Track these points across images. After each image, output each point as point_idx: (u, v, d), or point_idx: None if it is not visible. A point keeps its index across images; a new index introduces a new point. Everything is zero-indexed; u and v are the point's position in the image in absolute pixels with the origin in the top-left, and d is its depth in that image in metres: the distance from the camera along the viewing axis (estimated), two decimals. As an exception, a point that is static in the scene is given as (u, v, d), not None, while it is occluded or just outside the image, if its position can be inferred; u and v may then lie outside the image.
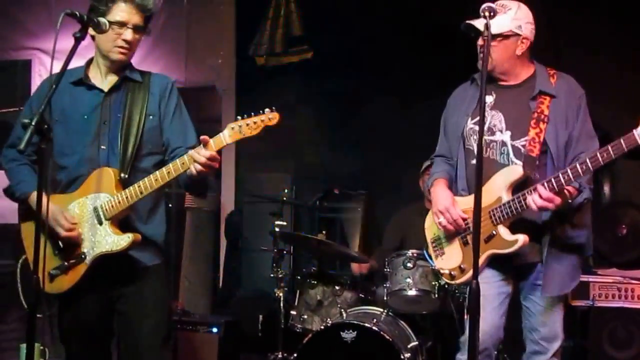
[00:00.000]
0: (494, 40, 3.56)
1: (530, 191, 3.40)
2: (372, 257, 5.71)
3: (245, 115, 3.17)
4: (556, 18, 5.88)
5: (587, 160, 3.23)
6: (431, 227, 3.91)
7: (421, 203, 5.45)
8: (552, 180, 3.30)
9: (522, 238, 3.48)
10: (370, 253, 5.85)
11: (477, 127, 3.70)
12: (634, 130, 3.15)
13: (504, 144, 3.64)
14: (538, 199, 3.32)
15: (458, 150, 3.82)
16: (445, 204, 3.69)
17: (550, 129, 3.56)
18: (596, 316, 5.12)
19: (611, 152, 3.19)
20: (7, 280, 5.58)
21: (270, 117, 3.15)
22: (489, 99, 3.71)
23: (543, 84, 3.64)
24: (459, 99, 3.94)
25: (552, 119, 3.56)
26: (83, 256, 3.33)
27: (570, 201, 3.45)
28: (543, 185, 3.32)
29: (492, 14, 2.98)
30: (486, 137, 3.65)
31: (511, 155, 3.62)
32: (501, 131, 3.65)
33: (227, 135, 3.16)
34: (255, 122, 3.14)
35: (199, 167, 3.15)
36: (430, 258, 3.92)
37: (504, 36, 3.58)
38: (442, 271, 3.81)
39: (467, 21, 3.60)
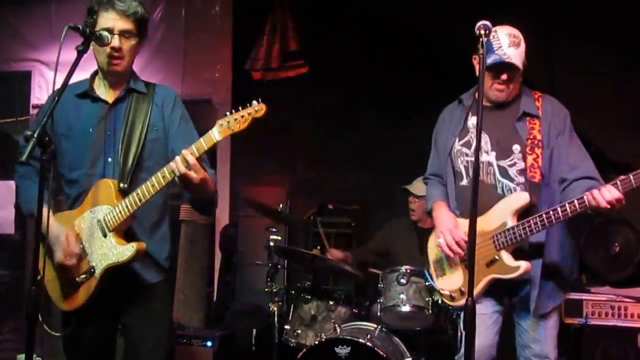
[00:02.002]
0: (513, 77, 3.60)
1: (536, 218, 3.41)
2: (351, 251, 5.76)
3: (233, 111, 3.13)
4: (550, 38, 5.94)
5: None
6: (434, 248, 3.91)
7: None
8: (619, 182, 3.28)
9: (524, 265, 3.50)
10: (365, 269, 5.86)
11: (464, 149, 3.77)
12: None
13: (490, 164, 3.67)
14: (601, 198, 3.27)
15: (448, 170, 3.85)
16: (449, 226, 3.71)
17: (546, 154, 3.59)
18: (589, 334, 5.11)
19: None
20: (2, 290, 5.58)
21: (257, 108, 3.10)
22: (475, 120, 3.73)
23: (527, 106, 3.67)
24: (446, 120, 3.96)
25: (545, 144, 3.59)
26: (92, 270, 3.29)
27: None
28: (615, 184, 3.27)
29: (487, 31, 3.01)
30: (472, 159, 3.68)
31: (497, 175, 3.65)
32: (487, 152, 3.68)
33: (217, 132, 3.11)
34: (242, 116, 3.10)
35: (178, 173, 3.10)
36: (431, 277, 3.92)
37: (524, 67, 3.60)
38: (442, 292, 3.81)
39: (503, 59, 3.50)
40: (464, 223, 3.67)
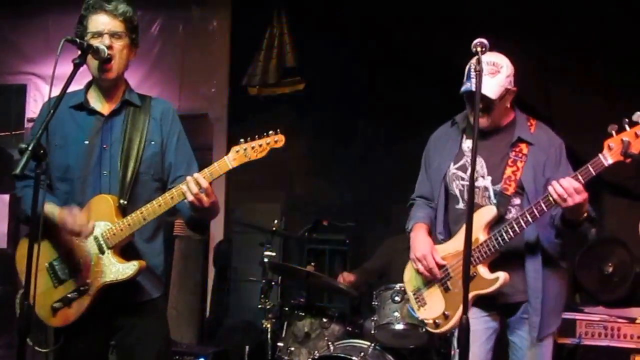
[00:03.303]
0: (490, 105, 3.59)
1: (505, 226, 3.44)
2: (354, 273, 5.75)
3: (249, 138, 3.12)
4: (546, 59, 5.97)
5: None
6: (410, 280, 3.91)
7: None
8: (579, 173, 3.28)
9: (502, 276, 3.49)
10: (357, 285, 5.85)
11: (460, 173, 3.77)
12: (600, 154, 3.22)
13: (486, 189, 3.67)
14: (559, 187, 3.27)
15: (440, 193, 3.84)
16: (424, 252, 3.71)
17: (527, 170, 3.59)
18: (583, 354, 5.08)
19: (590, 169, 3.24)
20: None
21: (276, 139, 3.12)
22: (470, 144, 3.73)
23: (522, 132, 3.67)
24: (440, 142, 3.95)
25: (530, 160, 3.60)
26: (86, 287, 3.23)
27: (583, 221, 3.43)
28: (575, 176, 3.27)
29: (484, 49, 3.02)
30: (468, 183, 3.65)
31: (492, 199, 3.65)
32: (483, 177, 3.67)
33: (232, 159, 3.12)
34: (260, 145, 3.11)
35: (191, 197, 3.09)
36: (414, 310, 3.89)
37: (501, 97, 3.59)
38: (426, 321, 3.78)
39: (470, 87, 3.49)
40: (441, 248, 3.72)
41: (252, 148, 3.11)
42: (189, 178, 3.12)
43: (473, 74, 3.37)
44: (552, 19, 5.98)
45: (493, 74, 3.55)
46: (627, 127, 3.16)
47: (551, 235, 3.61)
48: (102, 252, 3.24)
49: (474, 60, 3.12)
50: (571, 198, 3.25)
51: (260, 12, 7.28)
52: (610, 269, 5.37)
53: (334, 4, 6.86)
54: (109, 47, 3.26)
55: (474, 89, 3.40)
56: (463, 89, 3.53)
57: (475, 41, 3.02)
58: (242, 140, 3.13)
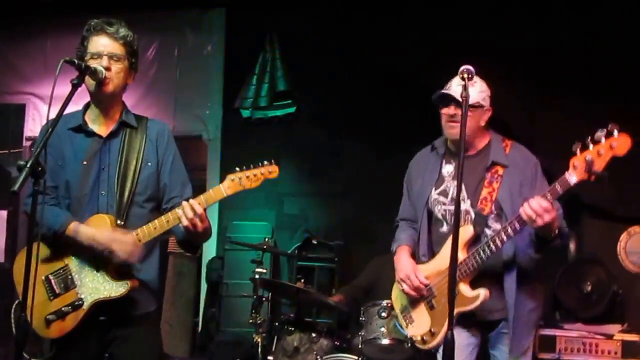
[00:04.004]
0: (460, 110, 3.60)
1: (483, 245, 3.45)
2: (340, 293, 5.73)
3: (245, 167, 3.14)
4: (530, 84, 6.01)
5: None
6: (398, 299, 3.94)
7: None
8: (547, 192, 3.28)
9: (483, 292, 3.50)
10: (345, 302, 5.82)
11: (441, 198, 3.80)
12: (566, 173, 3.22)
13: (467, 212, 3.67)
14: (528, 208, 3.28)
15: (422, 217, 3.85)
16: (407, 272, 3.74)
17: (503, 191, 3.60)
18: (563, 369, 5.13)
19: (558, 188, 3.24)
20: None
21: (270, 170, 3.15)
22: (450, 168, 3.80)
23: (496, 155, 3.69)
24: (421, 166, 3.97)
25: (505, 181, 3.61)
26: (80, 302, 3.23)
27: (553, 235, 3.42)
28: (544, 195, 3.27)
29: (470, 75, 3.03)
30: (450, 207, 3.73)
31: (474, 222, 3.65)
32: (463, 200, 3.67)
33: (227, 187, 3.14)
34: (255, 175, 3.13)
35: (186, 222, 3.10)
36: (402, 327, 3.91)
37: (473, 107, 3.59)
38: (414, 338, 3.78)
39: (442, 91, 3.63)
40: (423, 268, 3.74)
41: (247, 177, 3.13)
42: (184, 203, 3.12)
43: (454, 85, 3.42)
44: (537, 47, 6.04)
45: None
46: (590, 145, 3.15)
47: (531, 251, 3.60)
48: (97, 270, 3.23)
49: (457, 82, 3.12)
50: (540, 218, 3.26)
51: (253, 37, 7.29)
52: (589, 288, 5.40)
53: (324, 31, 6.90)
54: (107, 69, 3.24)
55: (444, 91, 3.59)
56: (435, 95, 3.60)
57: (461, 67, 3.03)
58: (237, 168, 3.15)
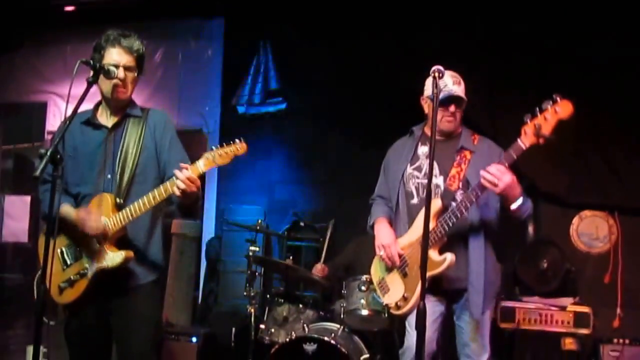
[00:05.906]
0: (458, 109, 3.72)
1: (449, 213, 3.50)
2: (327, 264, 5.77)
3: (218, 146, 3.14)
4: (492, 87, 6.03)
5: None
6: (375, 272, 3.97)
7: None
8: (502, 157, 3.35)
9: (449, 256, 3.54)
10: (329, 276, 5.85)
11: (415, 172, 3.86)
12: (518, 139, 3.30)
13: (437, 186, 3.74)
14: (487, 174, 3.33)
15: (399, 193, 3.88)
16: (387, 241, 3.79)
17: (471, 170, 3.65)
18: (521, 338, 5.17)
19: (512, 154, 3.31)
20: (14, 292, 5.49)
21: (239, 147, 3.13)
22: (425, 149, 3.86)
23: (465, 142, 3.79)
24: (398, 150, 4.03)
25: (472, 164, 3.67)
26: (85, 271, 3.30)
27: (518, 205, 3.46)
28: (501, 161, 3.33)
29: (441, 75, 3.08)
30: (423, 181, 3.80)
31: (443, 195, 3.70)
32: (436, 176, 3.74)
33: (202, 164, 3.14)
34: (226, 152, 3.12)
35: (181, 185, 3.10)
36: (379, 297, 3.95)
37: (464, 102, 3.73)
38: (390, 305, 3.82)
39: (451, 93, 3.64)
40: (401, 240, 3.78)
41: (219, 155, 3.12)
42: (176, 172, 3.13)
43: (443, 85, 3.54)
44: (500, 53, 6.04)
45: (459, 83, 3.71)
46: (538, 113, 3.21)
47: (496, 224, 3.69)
48: (100, 243, 3.28)
49: (430, 82, 3.17)
50: (500, 180, 3.30)
51: (248, 43, 7.30)
52: (545, 266, 5.44)
53: (312, 38, 6.90)
54: (122, 80, 3.31)
55: (453, 94, 3.64)
56: (442, 95, 3.58)
57: (433, 67, 3.09)
58: (212, 147, 3.14)
